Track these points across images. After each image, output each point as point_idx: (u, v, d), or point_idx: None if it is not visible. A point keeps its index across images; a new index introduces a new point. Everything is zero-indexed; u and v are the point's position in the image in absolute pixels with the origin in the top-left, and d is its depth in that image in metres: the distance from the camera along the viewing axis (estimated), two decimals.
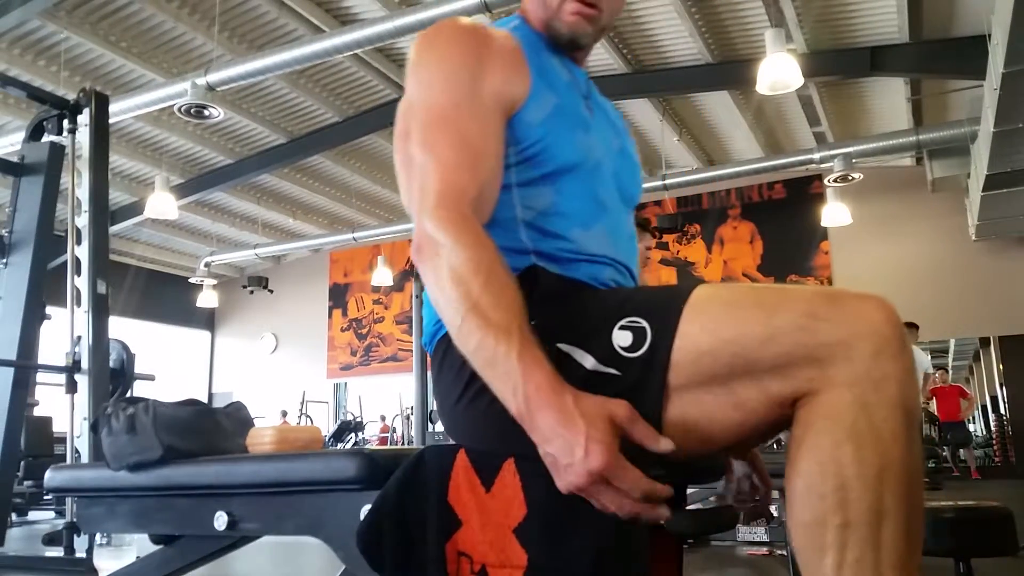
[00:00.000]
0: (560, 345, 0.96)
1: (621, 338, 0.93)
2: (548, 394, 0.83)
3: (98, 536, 3.84)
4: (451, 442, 1.09)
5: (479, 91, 1.02)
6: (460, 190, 0.96)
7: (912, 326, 7.19)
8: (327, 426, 11.65)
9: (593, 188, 1.11)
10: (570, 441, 0.81)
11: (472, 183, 0.98)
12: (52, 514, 6.90)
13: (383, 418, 12.13)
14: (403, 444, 10.44)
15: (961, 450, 9.51)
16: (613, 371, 0.92)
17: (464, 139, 0.99)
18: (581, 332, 0.96)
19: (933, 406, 8.89)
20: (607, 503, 0.82)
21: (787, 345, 0.84)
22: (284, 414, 11.69)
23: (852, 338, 0.82)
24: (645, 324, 0.92)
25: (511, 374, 0.86)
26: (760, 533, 3.95)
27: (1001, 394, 9.94)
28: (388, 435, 11.59)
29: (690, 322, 0.90)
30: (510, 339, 0.86)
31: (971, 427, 10.31)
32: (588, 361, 0.95)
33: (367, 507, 1.06)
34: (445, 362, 1.08)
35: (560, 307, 1.00)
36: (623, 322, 0.94)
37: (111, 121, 4.16)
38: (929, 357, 7.64)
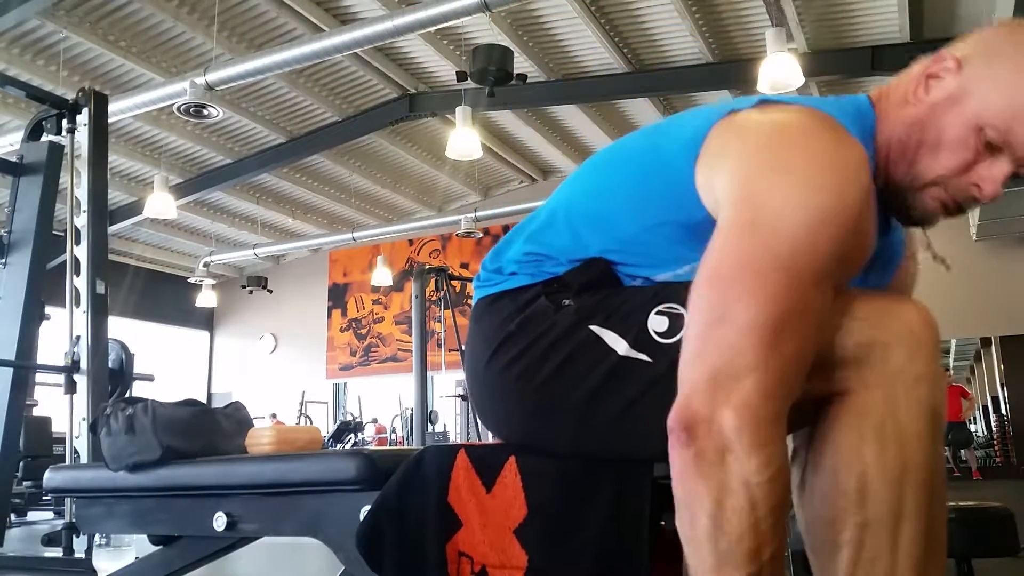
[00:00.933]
0: (592, 327, 0.95)
1: (657, 323, 0.92)
2: None
3: (97, 537, 3.83)
4: (451, 442, 1.09)
5: (834, 267, 0.83)
6: (785, 397, 0.80)
7: None
8: (326, 427, 11.63)
9: None
10: None
11: (797, 390, 0.81)
12: (51, 514, 6.89)
13: (375, 421, 12.00)
14: (404, 445, 10.43)
15: (962, 450, 9.51)
16: (644, 357, 0.91)
17: (810, 334, 0.82)
18: (617, 315, 0.95)
19: None
20: None
21: (824, 344, 0.84)
22: (274, 416, 11.53)
23: (890, 339, 0.83)
24: (682, 311, 0.90)
25: None
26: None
27: (1002, 394, 9.93)
28: (384, 435, 11.53)
29: None
30: None
31: (972, 427, 10.31)
32: (621, 346, 0.93)
33: (366, 508, 1.05)
34: (484, 319, 1.07)
35: (601, 291, 0.99)
36: (660, 307, 0.93)
37: (110, 121, 4.14)
38: None
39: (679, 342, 0.86)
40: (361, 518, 1.05)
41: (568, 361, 0.95)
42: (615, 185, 1.01)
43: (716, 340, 0.80)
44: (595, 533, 0.94)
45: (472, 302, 1.13)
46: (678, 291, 0.92)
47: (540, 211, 1.09)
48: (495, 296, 1.06)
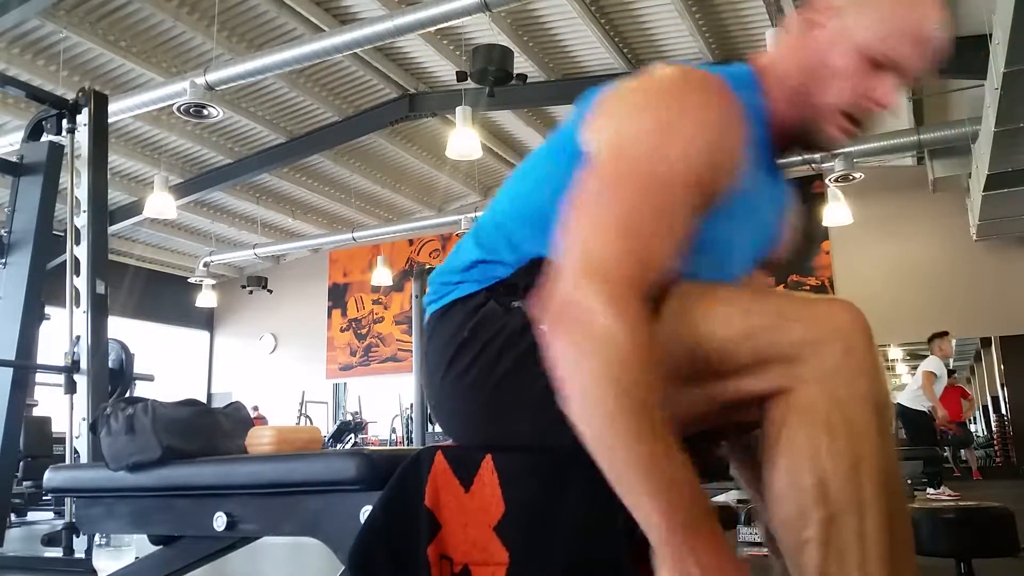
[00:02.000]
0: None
1: None
2: (715, 526, 0.82)
3: (97, 537, 3.83)
4: (450, 441, 1.09)
5: (702, 179, 0.91)
6: (646, 266, 0.86)
7: (943, 334, 7.22)
8: (326, 427, 11.62)
9: (717, 266, 1.04)
10: (731, 571, 0.81)
11: (660, 264, 0.88)
12: (51, 514, 6.89)
13: (360, 425, 11.82)
14: (404, 445, 10.42)
15: (962, 450, 9.50)
16: None
17: (670, 214, 0.89)
18: None
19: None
20: None
21: (760, 343, 0.86)
22: (256, 408, 11.16)
23: (822, 337, 0.85)
24: None
25: (683, 488, 0.82)
26: (760, 533, 3.93)
27: (1002, 394, 9.93)
28: (375, 436, 11.44)
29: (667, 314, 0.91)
30: (684, 456, 0.83)
31: (972, 427, 10.31)
32: None
33: (367, 508, 1.05)
34: (436, 332, 1.09)
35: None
36: None
37: (110, 120, 4.14)
38: (940, 363, 7.46)
39: None
40: (361, 518, 1.05)
41: (521, 360, 0.98)
42: (534, 179, 1.07)
43: (579, 237, 0.88)
44: (572, 526, 0.94)
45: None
46: None
47: (479, 221, 1.13)
48: (445, 308, 1.08)
